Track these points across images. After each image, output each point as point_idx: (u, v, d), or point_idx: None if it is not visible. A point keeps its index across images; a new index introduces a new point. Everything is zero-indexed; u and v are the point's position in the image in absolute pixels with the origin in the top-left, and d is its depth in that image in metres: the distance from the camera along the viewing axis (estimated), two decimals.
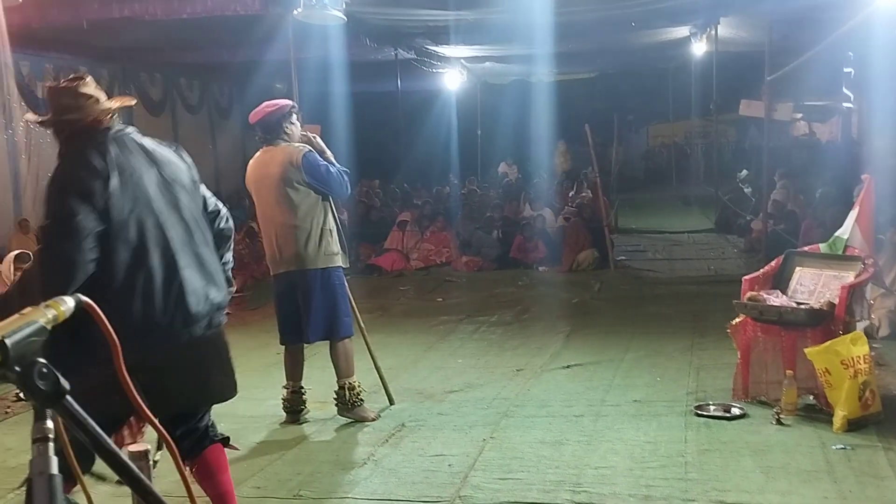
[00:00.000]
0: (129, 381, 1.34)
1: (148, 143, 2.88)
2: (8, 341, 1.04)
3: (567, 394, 5.15)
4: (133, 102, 3.05)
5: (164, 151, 2.91)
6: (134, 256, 2.65)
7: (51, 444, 1.13)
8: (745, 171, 16.13)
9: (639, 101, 23.06)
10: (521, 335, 6.94)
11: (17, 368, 1.06)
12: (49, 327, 1.14)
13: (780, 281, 4.96)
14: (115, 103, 2.81)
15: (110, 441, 1.15)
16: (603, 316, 7.61)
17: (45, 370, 1.08)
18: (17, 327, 1.08)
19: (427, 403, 5.12)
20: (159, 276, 2.68)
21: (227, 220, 3.17)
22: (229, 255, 3.17)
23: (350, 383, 4.79)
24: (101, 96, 2.78)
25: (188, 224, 2.84)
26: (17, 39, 8.21)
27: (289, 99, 5.30)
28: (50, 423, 1.13)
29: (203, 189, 3.08)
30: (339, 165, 4.75)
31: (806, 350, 4.35)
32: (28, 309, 1.15)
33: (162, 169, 2.83)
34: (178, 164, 2.95)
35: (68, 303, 1.21)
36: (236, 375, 3.05)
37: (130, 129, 2.85)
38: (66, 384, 1.09)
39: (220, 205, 3.17)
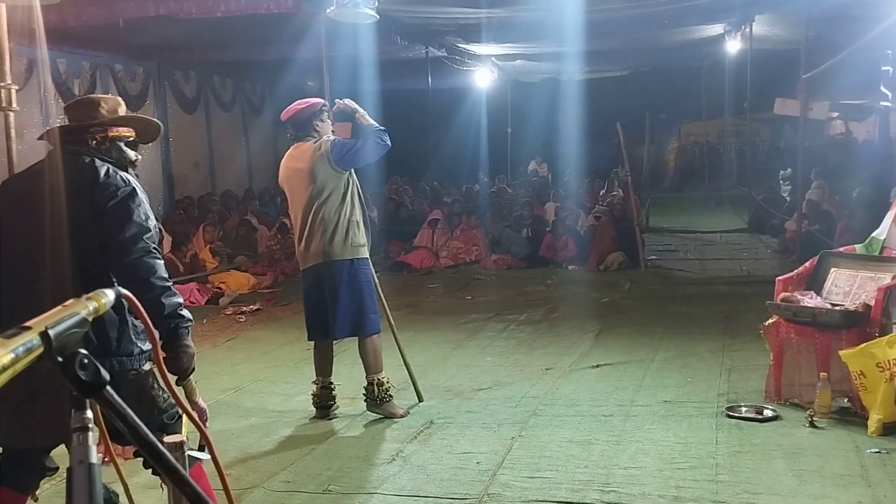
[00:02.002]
0: (168, 376, 1.36)
1: (63, 167, 2.74)
2: (51, 332, 1.07)
3: (596, 393, 5.13)
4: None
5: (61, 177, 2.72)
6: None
7: (90, 434, 1.15)
8: (789, 170, 15.97)
9: (671, 100, 22.81)
10: (551, 334, 6.92)
11: (59, 358, 1.09)
12: (90, 319, 1.17)
13: (814, 282, 4.89)
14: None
15: (149, 431, 1.18)
16: (633, 316, 7.55)
17: (85, 360, 1.10)
18: (60, 318, 1.10)
19: (456, 401, 5.12)
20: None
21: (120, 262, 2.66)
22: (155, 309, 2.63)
23: (379, 379, 4.81)
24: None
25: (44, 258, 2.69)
26: (54, 37, 8.33)
27: (320, 97, 5.36)
28: (90, 413, 1.15)
29: (114, 220, 2.68)
30: (373, 123, 4.73)
31: (840, 352, 4.29)
32: (70, 300, 1.18)
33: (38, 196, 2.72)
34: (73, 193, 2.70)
35: (108, 295, 1.24)
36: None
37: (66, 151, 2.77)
38: (106, 375, 1.11)
39: (128, 247, 2.65)
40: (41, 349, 1.05)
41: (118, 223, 2.66)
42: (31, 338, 1.04)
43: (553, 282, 9.58)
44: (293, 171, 4.74)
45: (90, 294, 1.21)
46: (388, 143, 4.71)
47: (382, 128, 4.73)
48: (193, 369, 2.72)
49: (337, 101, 4.86)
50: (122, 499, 2.56)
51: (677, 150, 18.28)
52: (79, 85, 10.63)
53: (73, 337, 1.11)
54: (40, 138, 2.94)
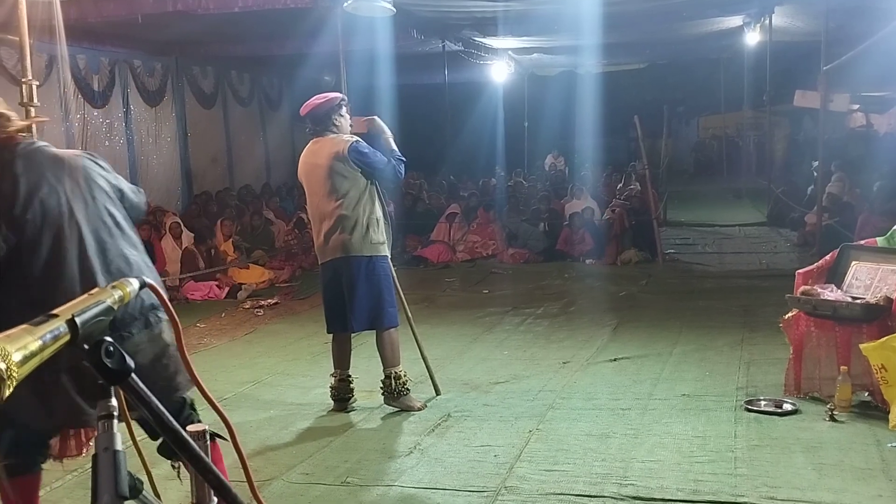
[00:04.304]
0: (190, 364, 1.37)
1: (59, 152, 2.81)
2: (78, 320, 1.09)
3: (614, 387, 5.12)
4: (44, 120, 2.97)
5: (75, 159, 2.82)
6: (47, 263, 2.63)
7: (115, 421, 1.17)
8: (815, 163, 15.86)
9: (689, 92, 22.71)
10: (568, 328, 6.91)
11: (85, 346, 1.11)
12: (115, 307, 1.19)
13: (834, 275, 4.84)
14: (26, 121, 2.87)
15: (173, 419, 1.19)
16: (651, 309, 7.52)
17: (111, 348, 1.12)
18: (87, 307, 1.12)
19: (473, 394, 5.13)
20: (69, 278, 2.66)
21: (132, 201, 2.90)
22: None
23: (396, 373, 4.83)
24: (13, 115, 2.80)
25: (105, 226, 2.74)
26: (74, 33, 8.42)
27: (338, 91, 5.37)
28: (114, 401, 1.17)
29: (124, 189, 2.90)
30: (396, 150, 4.80)
31: (861, 346, 4.25)
32: (96, 289, 1.19)
33: (74, 174, 2.76)
34: (93, 168, 2.83)
35: (133, 284, 1.25)
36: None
37: (41, 143, 2.82)
38: (131, 362, 1.13)
39: (132, 194, 2.94)
40: (68, 336, 1.07)
41: None
42: (58, 325, 1.05)
43: (570, 276, 9.56)
44: (312, 166, 4.76)
45: (115, 283, 1.22)
46: (403, 173, 4.86)
47: (403, 158, 4.82)
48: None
49: (366, 118, 4.96)
50: (147, 487, 2.58)
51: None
52: (98, 81, 10.72)
53: (100, 325, 1.13)
54: None
